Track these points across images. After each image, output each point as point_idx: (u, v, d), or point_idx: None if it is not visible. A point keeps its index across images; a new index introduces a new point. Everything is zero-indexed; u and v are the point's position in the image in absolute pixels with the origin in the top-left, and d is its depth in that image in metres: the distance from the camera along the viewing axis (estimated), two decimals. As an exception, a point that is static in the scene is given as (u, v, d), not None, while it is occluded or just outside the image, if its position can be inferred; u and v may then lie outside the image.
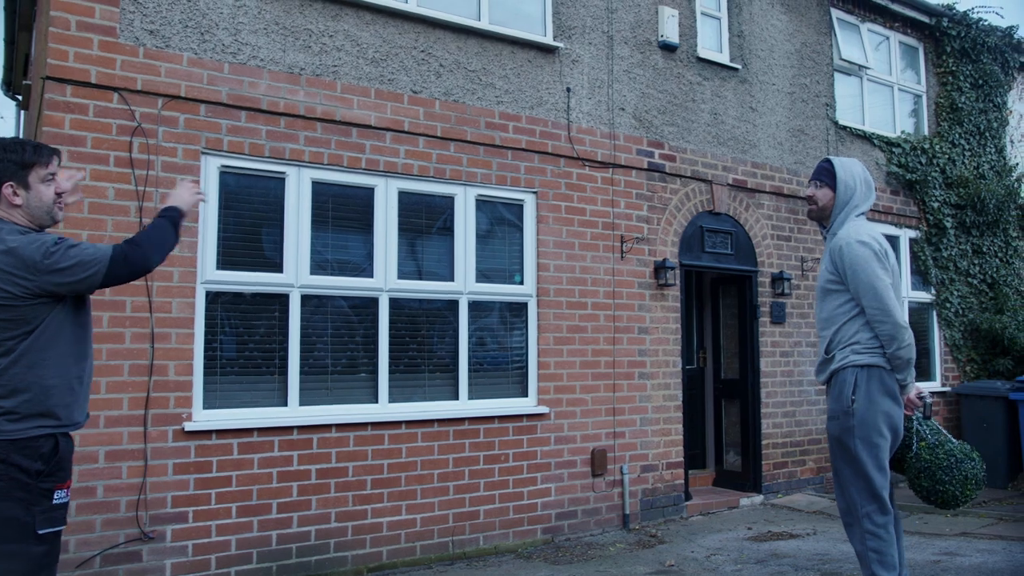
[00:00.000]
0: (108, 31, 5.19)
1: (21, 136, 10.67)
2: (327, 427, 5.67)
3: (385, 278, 6.03)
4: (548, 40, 6.98)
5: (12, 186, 2.96)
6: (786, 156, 8.62)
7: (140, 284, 5.10)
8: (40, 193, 3.01)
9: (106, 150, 5.14)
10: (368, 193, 6.06)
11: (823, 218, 4.07)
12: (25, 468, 2.84)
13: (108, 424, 4.98)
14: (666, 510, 7.30)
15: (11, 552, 2.80)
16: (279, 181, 5.72)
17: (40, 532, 2.86)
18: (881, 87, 10.03)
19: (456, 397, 6.31)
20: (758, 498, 8.02)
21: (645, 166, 7.46)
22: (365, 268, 6.01)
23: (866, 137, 9.46)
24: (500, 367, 6.62)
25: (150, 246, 3.08)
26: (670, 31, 7.70)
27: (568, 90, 7.07)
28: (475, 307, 6.48)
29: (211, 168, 5.46)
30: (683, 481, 7.47)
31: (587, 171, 7.11)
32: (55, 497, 2.91)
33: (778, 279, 8.29)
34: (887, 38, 10.14)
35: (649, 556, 6.17)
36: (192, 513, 5.19)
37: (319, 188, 5.86)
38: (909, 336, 3.73)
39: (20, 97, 10.42)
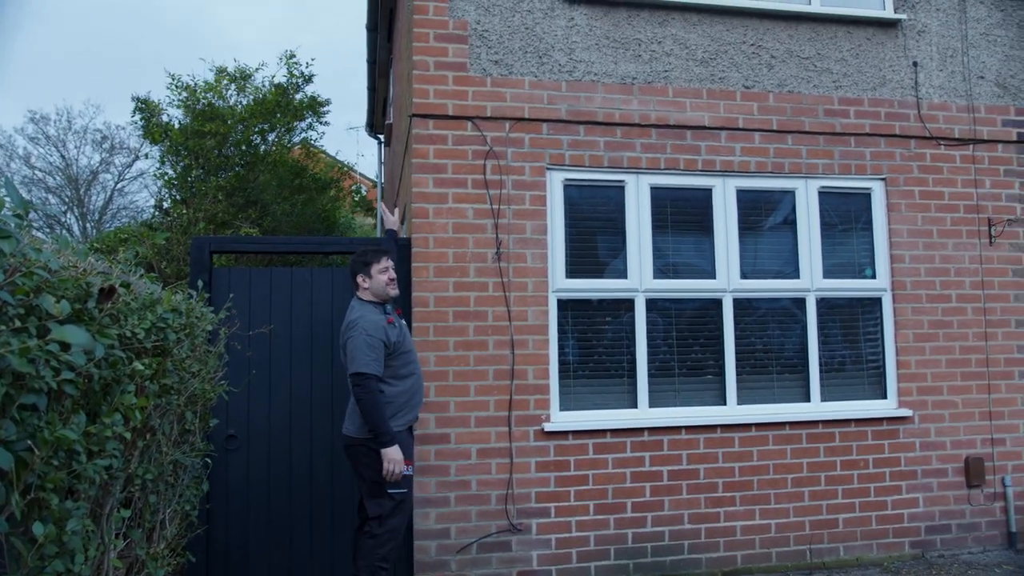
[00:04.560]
0: (459, 67, 5.70)
1: (383, 172, 12.11)
2: (677, 429, 5.70)
3: (728, 279, 5.95)
4: (888, 14, 6.46)
5: (362, 276, 4.68)
6: None
7: (499, 295, 5.52)
8: (377, 280, 4.67)
9: (464, 174, 5.63)
10: (706, 194, 6.02)
11: None
12: (378, 451, 4.38)
13: (478, 424, 5.43)
14: (1063, 529, 6.36)
15: (377, 502, 4.44)
16: (619, 189, 5.89)
17: (388, 491, 4.43)
18: None
19: (807, 399, 6.03)
20: None
21: (1014, 138, 6.61)
22: (707, 269, 5.97)
23: None
24: (854, 367, 6.22)
25: (367, 406, 4.34)
26: (1036, -18, 6.77)
27: (915, 64, 6.48)
28: (824, 304, 6.15)
29: (555, 182, 5.76)
30: (1083, 497, 6.46)
31: (942, 150, 6.46)
32: None
33: None
34: None
35: (1047, 580, 5.42)
36: (554, 509, 5.48)
37: (657, 193, 5.93)
38: None
39: (381, 137, 11.83)
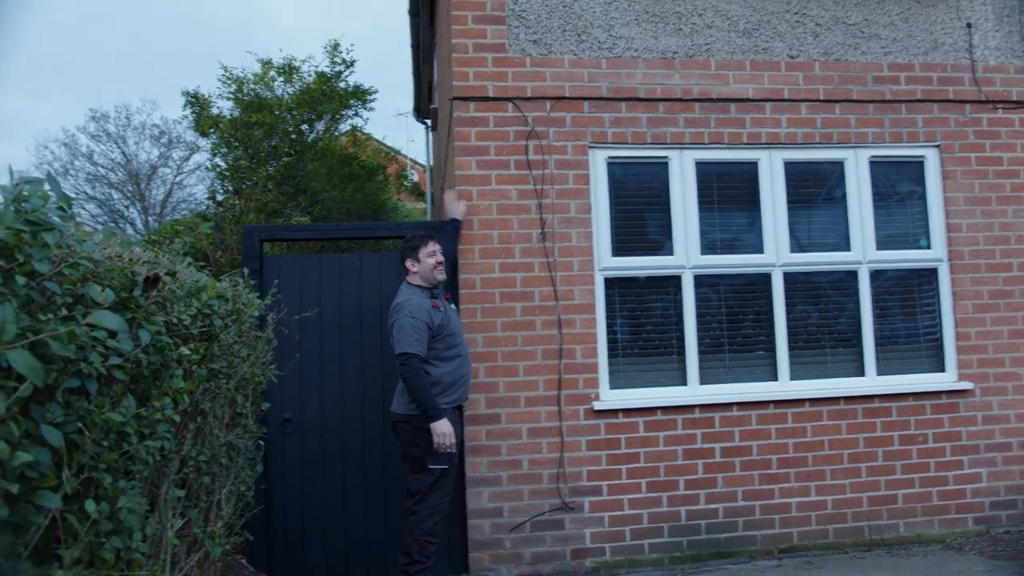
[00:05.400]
0: (498, 48, 5.70)
1: (431, 156, 12.19)
2: (728, 406, 5.65)
3: (776, 253, 5.86)
4: (940, -25, 6.26)
5: (410, 260, 4.81)
6: None
7: (545, 275, 5.54)
8: (425, 264, 4.80)
9: (506, 155, 5.64)
10: (752, 168, 5.93)
11: None
12: (422, 428, 4.54)
13: (527, 404, 5.47)
14: None
15: (418, 478, 4.59)
16: (662, 165, 5.84)
17: (429, 467, 4.57)
18: None
19: (862, 373, 5.92)
20: None
21: (1076, 98, 6.36)
22: (755, 244, 5.89)
23: None
24: (910, 340, 6.08)
25: (413, 384, 4.50)
26: (1099, -66, 6.48)
27: (969, 26, 6.27)
28: (876, 276, 6.02)
29: (598, 160, 5.74)
30: None
31: (1000, 114, 6.24)
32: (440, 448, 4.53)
33: None
34: None
35: (1118, 554, 5.25)
36: (606, 487, 5.49)
37: (702, 168, 5.86)
38: None
39: (428, 121, 11.90)
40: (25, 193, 1.81)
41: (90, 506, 1.82)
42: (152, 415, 2.23)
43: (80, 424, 1.84)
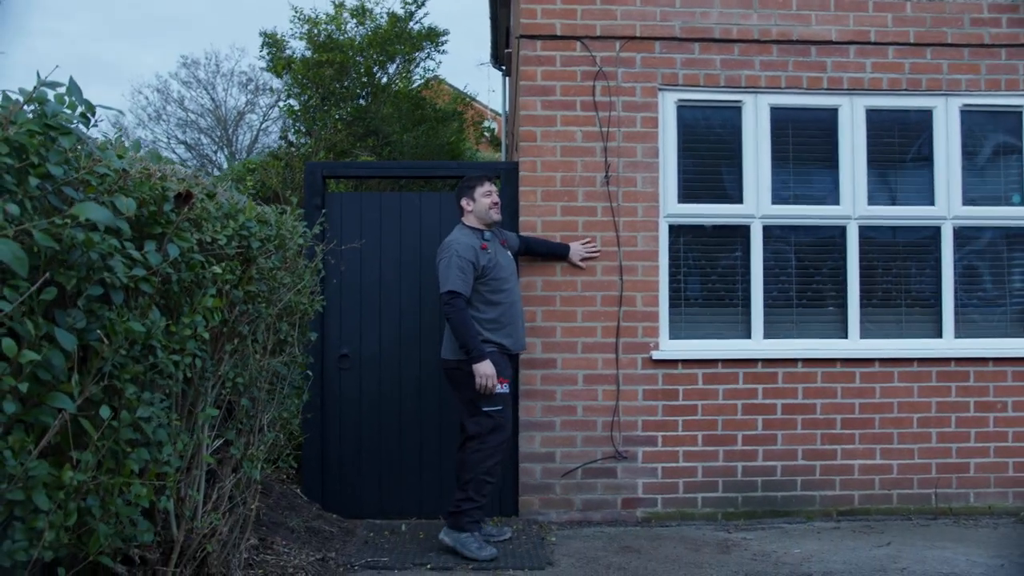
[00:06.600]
0: (568, -16, 5.51)
1: (507, 102, 12.08)
2: (792, 361, 5.46)
3: (853, 205, 5.57)
4: (1054, -92, 5.76)
5: (466, 200, 4.76)
6: None
7: (608, 220, 5.41)
8: (481, 203, 4.72)
9: (572, 96, 5.49)
10: (831, 114, 5.62)
11: None
12: (471, 372, 4.47)
13: (584, 350, 5.39)
14: None
15: (475, 421, 4.59)
16: (735, 110, 5.59)
17: (484, 409, 4.54)
18: None
19: (939, 335, 5.62)
20: None
21: None
22: (830, 195, 5.61)
23: None
24: (994, 302, 5.73)
25: (456, 323, 4.47)
26: None
27: (1085, -37, 5.77)
28: (961, 234, 5.67)
29: (668, 103, 5.53)
30: None
31: (1113, 62, 5.76)
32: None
33: None
34: None
35: None
36: (661, 438, 5.40)
37: (777, 113, 5.59)
38: None
39: (504, 67, 11.75)
40: (50, 97, 1.80)
41: (104, 412, 1.83)
42: (182, 331, 2.24)
43: (101, 332, 1.85)
